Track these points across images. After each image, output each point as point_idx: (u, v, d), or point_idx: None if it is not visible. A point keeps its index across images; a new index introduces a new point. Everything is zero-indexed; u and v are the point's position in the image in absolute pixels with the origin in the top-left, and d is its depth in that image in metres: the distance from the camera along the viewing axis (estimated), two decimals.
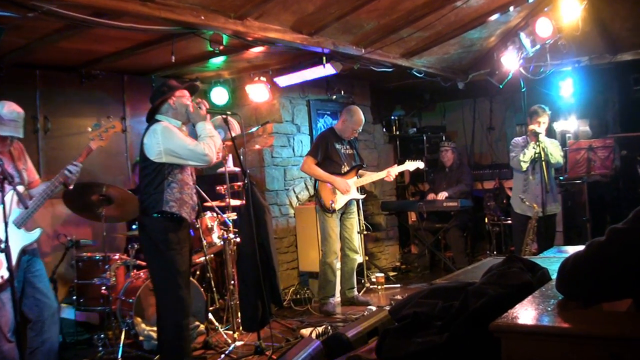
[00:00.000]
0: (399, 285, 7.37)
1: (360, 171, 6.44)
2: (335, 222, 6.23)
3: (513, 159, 6.18)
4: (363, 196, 6.57)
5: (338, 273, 6.37)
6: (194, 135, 4.19)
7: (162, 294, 4.03)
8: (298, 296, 6.83)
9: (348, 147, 6.42)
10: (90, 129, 4.24)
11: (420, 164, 6.62)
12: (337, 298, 6.43)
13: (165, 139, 3.93)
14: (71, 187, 4.17)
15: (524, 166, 6.06)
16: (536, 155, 5.96)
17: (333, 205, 6.15)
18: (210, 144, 4.03)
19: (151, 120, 4.15)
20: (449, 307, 2.29)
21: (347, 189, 6.20)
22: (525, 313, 1.89)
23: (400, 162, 6.99)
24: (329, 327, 5.00)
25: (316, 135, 7.29)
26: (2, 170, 3.57)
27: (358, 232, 6.57)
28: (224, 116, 4.51)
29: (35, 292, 4.05)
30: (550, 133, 7.02)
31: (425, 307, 2.36)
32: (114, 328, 5.03)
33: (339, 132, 6.34)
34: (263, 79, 6.73)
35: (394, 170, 6.47)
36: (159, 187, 3.95)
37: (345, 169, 6.29)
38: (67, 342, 5.30)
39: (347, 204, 6.32)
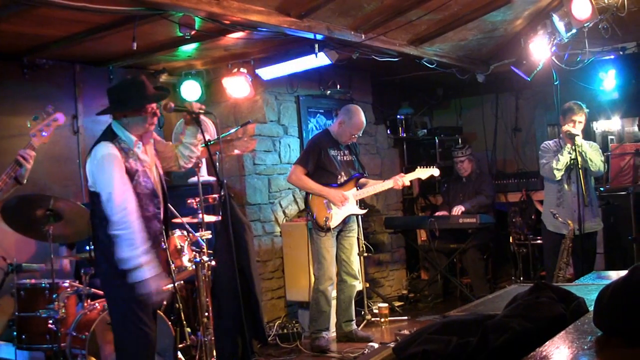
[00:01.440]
0: (405, 317, 7.38)
1: (360, 181, 6.44)
2: (331, 242, 6.23)
3: (544, 166, 6.21)
4: (364, 211, 6.56)
5: (333, 303, 6.37)
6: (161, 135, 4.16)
7: (121, 328, 4.01)
8: (285, 330, 6.80)
9: (346, 152, 6.42)
10: (29, 124, 4.22)
11: (435, 171, 6.57)
12: (332, 333, 6.43)
13: (94, 174, 3.87)
14: (24, 181, 4.15)
15: (558, 175, 6.08)
16: (572, 161, 5.98)
17: (328, 222, 6.15)
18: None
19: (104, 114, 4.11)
20: (465, 345, 2.29)
21: (343, 202, 6.20)
22: (557, 352, 1.89)
23: (409, 170, 6.99)
24: None
25: (307, 138, 7.31)
26: None
27: (358, 254, 6.58)
28: (196, 115, 4.51)
29: None
30: (588, 135, 7.05)
31: (436, 344, 2.36)
32: None
33: (334, 135, 6.35)
34: (243, 70, 6.73)
35: (404, 179, 6.38)
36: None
37: (342, 179, 6.30)
38: None
39: (345, 221, 6.32)
